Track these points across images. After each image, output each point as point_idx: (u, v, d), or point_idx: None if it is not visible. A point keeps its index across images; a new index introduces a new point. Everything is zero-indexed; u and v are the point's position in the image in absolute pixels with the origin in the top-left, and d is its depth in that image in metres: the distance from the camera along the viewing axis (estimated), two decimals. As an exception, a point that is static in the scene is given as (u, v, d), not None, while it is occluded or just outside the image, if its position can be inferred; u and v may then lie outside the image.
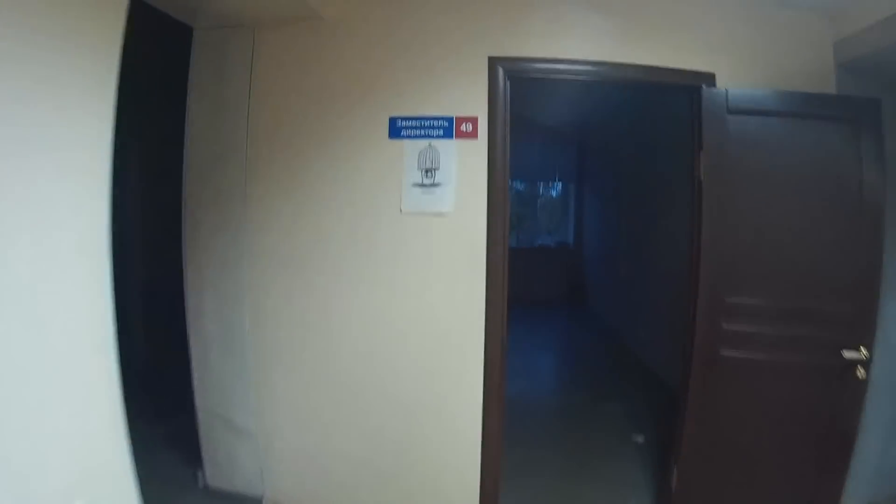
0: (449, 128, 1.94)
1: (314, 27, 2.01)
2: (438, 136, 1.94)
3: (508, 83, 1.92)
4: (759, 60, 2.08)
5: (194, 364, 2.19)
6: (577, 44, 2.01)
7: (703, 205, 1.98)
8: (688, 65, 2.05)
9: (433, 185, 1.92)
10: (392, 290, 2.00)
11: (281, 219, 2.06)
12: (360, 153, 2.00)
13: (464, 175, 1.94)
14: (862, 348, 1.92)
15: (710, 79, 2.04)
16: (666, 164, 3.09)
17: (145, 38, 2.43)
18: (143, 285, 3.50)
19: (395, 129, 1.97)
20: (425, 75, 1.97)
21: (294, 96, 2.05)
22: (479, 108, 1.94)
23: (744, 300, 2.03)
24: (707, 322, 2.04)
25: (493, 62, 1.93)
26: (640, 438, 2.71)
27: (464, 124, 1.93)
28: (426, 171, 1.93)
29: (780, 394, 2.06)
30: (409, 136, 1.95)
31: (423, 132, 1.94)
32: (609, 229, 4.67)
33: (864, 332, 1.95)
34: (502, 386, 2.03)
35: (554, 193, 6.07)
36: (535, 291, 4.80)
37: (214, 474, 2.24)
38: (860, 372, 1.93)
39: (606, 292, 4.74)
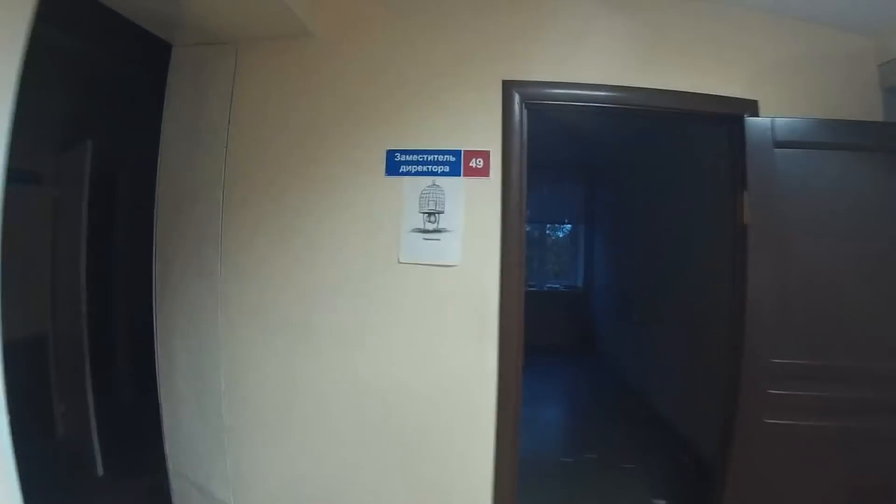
0: (456, 163, 1.66)
1: (303, 46, 1.77)
2: (444, 173, 1.66)
3: (525, 111, 1.65)
4: (800, 86, 1.86)
5: (166, 424, 1.89)
6: (602, 67, 1.75)
7: (749, 253, 1.72)
8: (726, 90, 1.80)
9: (437, 230, 1.64)
10: (389, 352, 1.70)
11: (260, 266, 1.77)
12: (352, 192, 1.71)
13: (473, 220, 1.65)
14: (930, 412, 1.66)
15: (752, 107, 1.79)
16: (686, 203, 2.83)
17: (127, 58, 2.20)
18: (128, 324, 3.19)
19: (394, 165, 1.68)
20: (429, 102, 1.70)
21: (278, 124, 1.78)
22: (491, 141, 1.66)
23: (793, 360, 1.77)
24: (751, 387, 1.78)
25: (507, 87, 1.66)
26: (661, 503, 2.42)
27: (473, 159, 1.65)
28: (429, 215, 1.64)
29: (834, 465, 1.80)
30: (409, 173, 1.67)
31: (425, 168, 1.66)
32: (621, 273, 4.36)
33: (931, 393, 1.70)
34: (515, 462, 1.73)
35: (561, 234, 5.82)
36: (542, 337, 4.46)
37: (186, 552, 1.91)
38: (927, 437, 1.67)
39: (619, 338, 4.43)
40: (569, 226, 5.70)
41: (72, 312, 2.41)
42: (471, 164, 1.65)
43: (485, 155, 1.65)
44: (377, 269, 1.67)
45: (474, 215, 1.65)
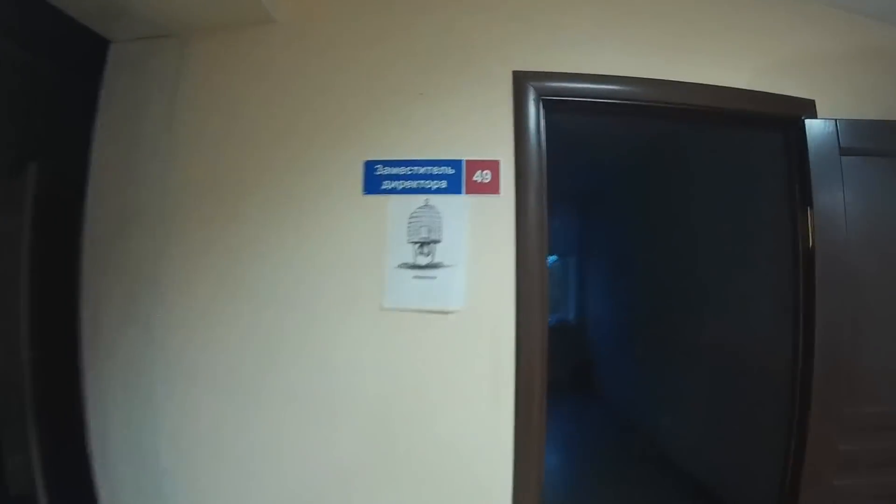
0: (455, 177, 1.28)
1: (262, 35, 1.44)
2: (440, 191, 1.28)
3: (543, 111, 1.29)
4: (859, 86, 1.57)
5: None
6: (631, 57, 1.42)
7: (818, 283, 1.40)
8: (778, 88, 1.49)
9: (432, 265, 1.25)
10: (372, 424, 1.29)
11: (205, 312, 1.38)
12: (321, 216, 1.33)
13: (480, 250, 1.27)
14: None
15: (809, 108, 1.49)
16: (706, 226, 2.53)
17: (58, 59, 1.79)
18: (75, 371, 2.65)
19: (374, 180, 1.29)
20: (419, 100, 1.33)
21: (228, 132, 1.41)
22: (500, 148, 1.29)
23: (869, 408, 1.46)
24: (821, 443, 1.46)
25: (520, 80, 1.30)
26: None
27: (478, 172, 1.27)
28: (421, 245, 1.25)
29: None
30: (394, 191, 1.28)
31: (415, 184, 1.28)
32: (620, 305, 4.01)
33: None
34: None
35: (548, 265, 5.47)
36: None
37: None
38: None
39: (620, 375, 4.07)
40: (554, 257, 5.39)
41: (14, 356, 1.98)
42: (475, 179, 1.27)
43: (493, 166, 1.27)
44: (354, 317, 1.27)
45: (481, 244, 1.26)
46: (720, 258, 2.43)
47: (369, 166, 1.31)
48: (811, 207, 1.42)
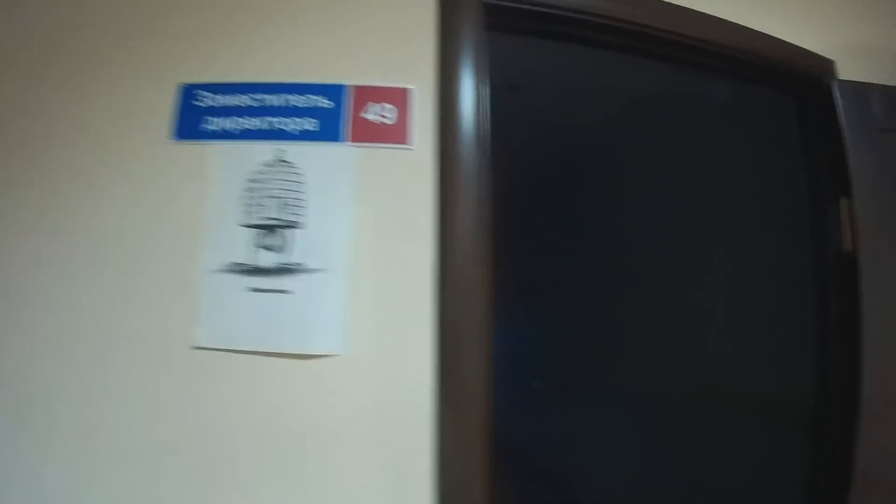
0: (333, 113, 0.73)
1: None
2: (305, 135, 0.73)
3: (486, 16, 0.80)
4: (876, 49, 1.26)
5: None
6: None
7: (863, 298, 1.00)
8: (794, 38, 1.12)
9: (284, 269, 0.69)
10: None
11: None
12: (95, 179, 0.73)
13: (372, 244, 0.72)
14: None
15: (829, 70, 1.13)
16: (653, 225, 2.15)
17: None
18: None
19: (193, 116, 0.73)
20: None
21: None
22: (412, 70, 0.76)
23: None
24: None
25: (447, -36, 0.79)
26: None
27: (372, 107, 0.74)
28: (266, 230, 0.69)
29: None
30: (226, 134, 0.72)
31: (263, 123, 0.72)
32: (511, 328, 3.57)
33: None
34: None
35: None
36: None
37: None
38: None
39: (515, 410, 3.49)
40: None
41: None
42: (366, 116, 0.73)
43: (399, 97, 0.74)
44: (143, 364, 0.67)
45: (376, 234, 0.72)
46: (684, 267, 2.02)
47: (188, 93, 0.74)
48: (848, 197, 1.03)
